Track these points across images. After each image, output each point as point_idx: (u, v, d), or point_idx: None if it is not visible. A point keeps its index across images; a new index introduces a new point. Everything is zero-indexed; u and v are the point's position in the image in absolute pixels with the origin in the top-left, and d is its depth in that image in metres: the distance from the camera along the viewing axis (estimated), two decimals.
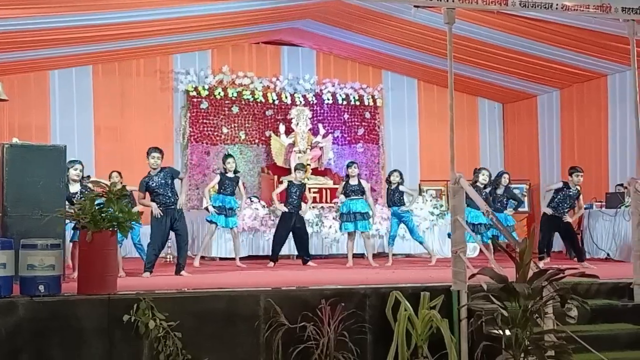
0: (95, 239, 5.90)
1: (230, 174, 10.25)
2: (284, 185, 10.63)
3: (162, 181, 8.53)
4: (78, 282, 6.01)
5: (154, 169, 8.57)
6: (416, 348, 5.97)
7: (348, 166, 10.58)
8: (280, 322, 5.93)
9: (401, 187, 10.55)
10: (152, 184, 8.51)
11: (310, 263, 10.23)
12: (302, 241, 10.44)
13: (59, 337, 5.57)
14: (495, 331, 5.32)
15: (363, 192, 10.37)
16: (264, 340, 5.97)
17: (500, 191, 10.24)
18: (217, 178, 10.35)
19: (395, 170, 10.69)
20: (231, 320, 5.96)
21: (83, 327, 5.63)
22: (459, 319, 6.10)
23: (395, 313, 6.06)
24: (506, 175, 10.33)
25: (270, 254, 10.55)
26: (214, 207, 10.17)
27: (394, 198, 10.52)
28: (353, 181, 10.39)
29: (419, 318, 5.99)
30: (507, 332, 4.87)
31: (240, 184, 10.40)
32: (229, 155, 10.63)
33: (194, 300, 6.02)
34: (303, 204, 10.53)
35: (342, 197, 10.56)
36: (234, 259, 10.33)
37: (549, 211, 9.82)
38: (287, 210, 10.35)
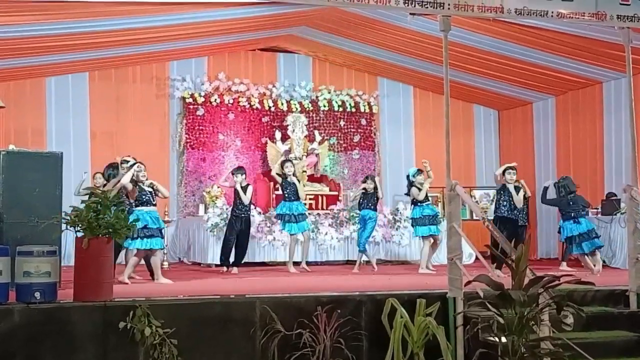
0: (91, 246, 5.90)
1: (290, 179, 10.36)
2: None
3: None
4: (74, 289, 6.00)
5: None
6: (412, 355, 5.97)
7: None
8: (276, 329, 5.93)
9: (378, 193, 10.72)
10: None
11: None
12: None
13: (54, 344, 5.55)
14: (492, 338, 5.33)
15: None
16: (259, 347, 5.96)
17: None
18: (280, 179, 10.51)
19: (368, 177, 10.85)
20: (227, 327, 5.96)
21: (79, 334, 5.62)
22: (455, 326, 6.11)
23: (391, 320, 6.06)
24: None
25: (264, 260, 10.59)
26: (280, 214, 10.43)
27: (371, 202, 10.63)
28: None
29: (415, 325, 5.99)
30: (503, 339, 4.88)
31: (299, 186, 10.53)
32: (287, 160, 10.80)
33: (190, 307, 6.02)
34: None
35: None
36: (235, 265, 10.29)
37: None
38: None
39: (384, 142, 14.91)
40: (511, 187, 9.88)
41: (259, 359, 5.96)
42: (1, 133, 12.12)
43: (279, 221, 10.65)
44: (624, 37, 7.25)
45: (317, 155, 13.68)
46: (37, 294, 5.66)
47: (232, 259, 10.27)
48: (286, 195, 10.44)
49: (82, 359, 5.61)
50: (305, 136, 13.69)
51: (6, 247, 5.98)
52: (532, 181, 14.44)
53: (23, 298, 5.70)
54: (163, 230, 9.02)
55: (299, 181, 10.69)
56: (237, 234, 10.22)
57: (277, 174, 10.75)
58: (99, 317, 5.68)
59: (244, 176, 10.37)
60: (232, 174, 10.54)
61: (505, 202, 9.87)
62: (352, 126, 14.61)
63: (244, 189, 10.18)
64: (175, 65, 13.65)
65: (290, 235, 10.48)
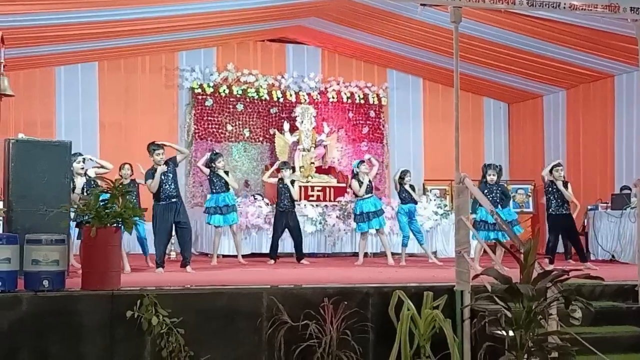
0: (99, 235, 5.91)
1: (220, 172, 10.15)
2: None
3: (167, 174, 8.60)
4: (82, 278, 6.02)
5: (158, 164, 8.64)
6: (419, 348, 5.96)
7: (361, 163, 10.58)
8: (282, 320, 5.93)
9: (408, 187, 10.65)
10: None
11: (303, 261, 10.25)
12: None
13: (62, 332, 5.58)
14: (499, 332, 5.31)
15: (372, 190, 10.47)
16: (266, 338, 5.97)
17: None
18: (207, 170, 10.24)
19: (408, 171, 10.74)
20: (234, 317, 5.96)
21: (86, 322, 5.64)
22: (462, 319, 6.09)
23: (398, 312, 6.05)
24: (490, 171, 9.81)
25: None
26: (208, 207, 10.12)
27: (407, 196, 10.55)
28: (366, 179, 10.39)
29: (421, 318, 5.98)
30: (511, 333, 4.86)
31: (230, 177, 10.27)
32: (219, 155, 10.47)
33: (197, 297, 6.02)
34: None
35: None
36: (236, 256, 10.33)
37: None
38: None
39: (393, 134, 14.87)
40: (559, 184, 9.83)
41: (265, 350, 5.97)
42: (10, 122, 12.12)
43: (206, 215, 10.20)
44: (637, 30, 7.17)
45: (325, 146, 13.66)
46: (46, 282, 5.69)
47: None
48: (212, 187, 10.12)
49: (89, 346, 5.63)
50: (314, 127, 13.67)
51: (15, 235, 5.99)
52: (541, 175, 14.37)
53: (31, 286, 5.73)
54: None
55: (227, 173, 10.29)
56: (290, 229, 10.31)
57: (204, 165, 10.39)
58: (107, 305, 5.70)
59: (290, 171, 10.45)
60: (279, 170, 10.61)
61: (553, 200, 9.84)
62: (360, 118, 14.58)
63: (292, 183, 10.38)
64: (184, 55, 13.65)
65: (215, 227, 10.11)
